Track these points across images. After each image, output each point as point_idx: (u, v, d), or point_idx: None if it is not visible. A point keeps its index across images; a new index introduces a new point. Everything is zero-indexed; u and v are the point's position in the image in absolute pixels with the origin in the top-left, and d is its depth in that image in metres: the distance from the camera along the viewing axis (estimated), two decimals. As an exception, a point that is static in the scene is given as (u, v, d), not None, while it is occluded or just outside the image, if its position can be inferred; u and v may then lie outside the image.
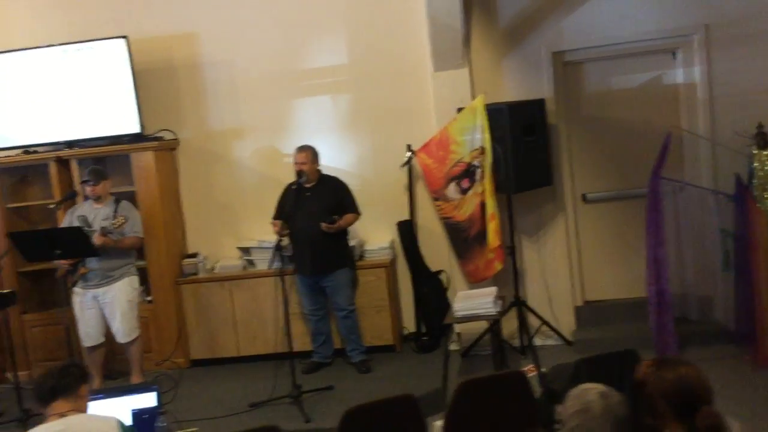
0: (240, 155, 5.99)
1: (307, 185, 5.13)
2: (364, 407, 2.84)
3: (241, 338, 5.66)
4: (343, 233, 5.26)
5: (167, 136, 5.84)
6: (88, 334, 5.15)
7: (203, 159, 5.99)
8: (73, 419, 2.57)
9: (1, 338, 5.85)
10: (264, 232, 5.92)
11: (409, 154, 5.53)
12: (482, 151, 5.07)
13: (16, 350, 5.82)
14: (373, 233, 5.78)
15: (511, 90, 5.55)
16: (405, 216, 5.81)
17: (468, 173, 5.21)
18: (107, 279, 5.05)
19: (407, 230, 5.79)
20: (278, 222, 5.14)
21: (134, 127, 5.62)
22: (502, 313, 4.94)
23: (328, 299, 5.29)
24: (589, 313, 5.73)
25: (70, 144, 5.72)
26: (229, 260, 5.91)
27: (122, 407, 3.23)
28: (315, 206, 5.05)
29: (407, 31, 5.68)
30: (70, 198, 5.02)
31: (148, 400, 3.31)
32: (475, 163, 5.15)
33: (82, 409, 2.67)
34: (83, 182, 5.03)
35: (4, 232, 5.68)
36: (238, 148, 5.99)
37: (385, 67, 5.73)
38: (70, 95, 5.66)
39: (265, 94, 5.88)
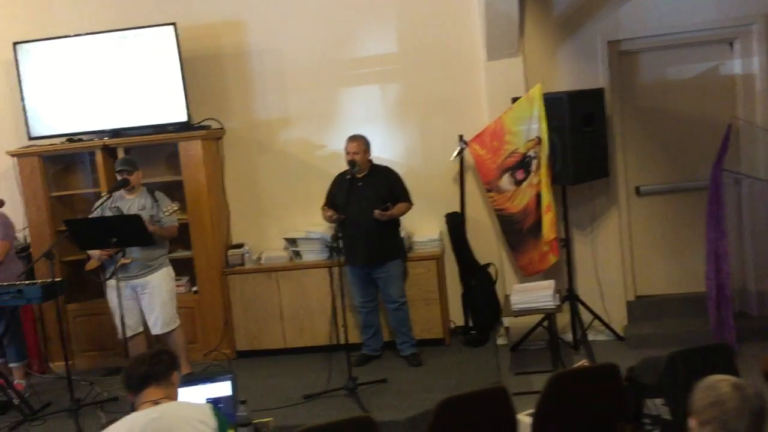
0: (286, 145, 5.91)
1: (359, 175, 5.04)
2: (457, 398, 2.76)
3: (288, 330, 5.58)
4: (396, 224, 5.17)
5: (213, 125, 5.76)
6: (128, 325, 5.08)
7: (248, 149, 5.91)
8: (168, 406, 2.50)
9: (45, 328, 5.82)
10: (310, 223, 5.86)
11: (461, 144, 5.42)
12: (538, 141, 4.98)
13: (59, 340, 5.79)
14: (421, 225, 5.69)
15: (565, 80, 5.46)
16: (453, 208, 5.72)
17: (523, 164, 5.12)
18: (147, 269, 4.98)
19: (456, 222, 5.70)
20: (330, 209, 5.06)
21: (181, 116, 5.55)
22: (560, 306, 4.84)
23: (379, 291, 5.20)
24: (641, 307, 5.65)
25: (115, 132, 5.65)
26: (274, 251, 5.83)
27: (197, 396, 3.16)
28: (368, 196, 4.96)
29: (458, 19, 5.58)
30: (122, 186, 4.94)
31: (223, 388, 3.24)
32: (531, 153, 5.05)
33: (173, 397, 2.60)
34: (118, 171, 4.96)
35: (50, 221, 5.66)
36: (284, 137, 5.91)
37: (435, 56, 5.63)
38: (116, 83, 5.60)
39: (313, 84, 5.80)
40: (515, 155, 5.13)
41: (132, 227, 4.47)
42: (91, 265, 5.08)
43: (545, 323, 5.31)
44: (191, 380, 3.29)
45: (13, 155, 5.67)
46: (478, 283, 5.63)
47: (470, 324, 5.69)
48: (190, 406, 2.61)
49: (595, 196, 5.49)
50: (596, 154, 5.06)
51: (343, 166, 5.39)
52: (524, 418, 2.99)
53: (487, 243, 5.71)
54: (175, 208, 4.84)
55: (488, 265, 5.70)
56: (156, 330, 5.05)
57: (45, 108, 5.67)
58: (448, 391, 4.60)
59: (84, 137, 5.73)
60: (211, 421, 2.47)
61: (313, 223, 5.87)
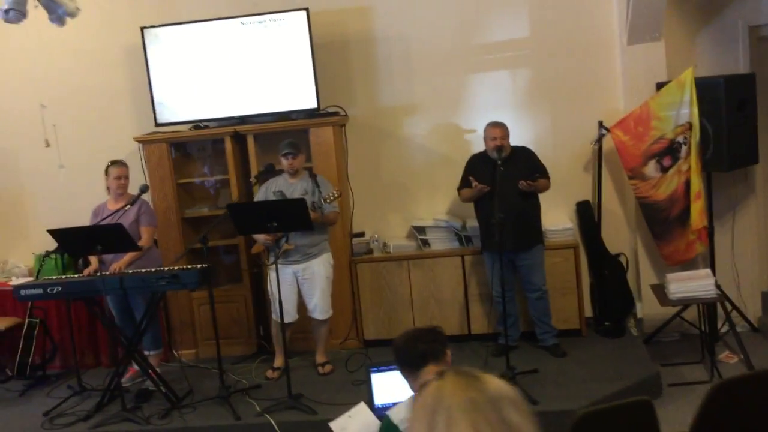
0: (410, 132, 5.83)
1: (498, 162, 4.94)
2: (598, 411, 2.60)
3: (418, 319, 5.50)
4: (539, 207, 5.07)
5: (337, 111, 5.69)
6: (286, 310, 5.00)
7: (371, 136, 5.82)
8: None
9: (170, 316, 5.78)
10: (434, 212, 5.79)
11: (601, 131, 5.31)
12: (689, 126, 4.86)
13: (184, 328, 5.75)
14: (551, 213, 5.57)
15: (704, 65, 5.33)
16: (583, 196, 5.62)
17: (671, 150, 5.00)
18: (307, 255, 4.92)
19: (586, 211, 5.60)
20: (467, 188, 5.00)
21: (311, 103, 5.48)
22: (722, 296, 4.72)
23: (520, 279, 5.09)
24: (776, 299, 5.52)
25: (241, 119, 5.59)
26: (397, 239, 5.76)
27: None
28: (512, 179, 4.85)
29: (592, 3, 5.48)
30: (268, 171, 4.88)
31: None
32: (680, 139, 4.94)
33: None
34: (284, 155, 4.88)
35: (177, 207, 5.61)
36: (408, 125, 5.82)
37: (568, 41, 5.53)
38: (244, 69, 5.53)
39: (440, 70, 5.70)
40: (662, 141, 5.02)
41: (295, 212, 4.38)
42: (257, 248, 5.02)
43: (683, 314, 5.22)
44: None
45: (140, 141, 5.62)
46: (611, 272, 5.52)
47: (598, 315, 5.58)
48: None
49: (736, 184, 5.37)
50: (748, 140, 4.94)
51: (470, 154, 5.35)
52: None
53: (618, 232, 5.61)
54: (338, 195, 4.77)
55: (619, 254, 5.59)
56: (316, 314, 4.99)
57: (171, 94, 5.62)
58: (606, 381, 4.55)
59: (209, 124, 5.67)
60: None
61: (438, 212, 5.80)
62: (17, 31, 5.93)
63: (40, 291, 4.57)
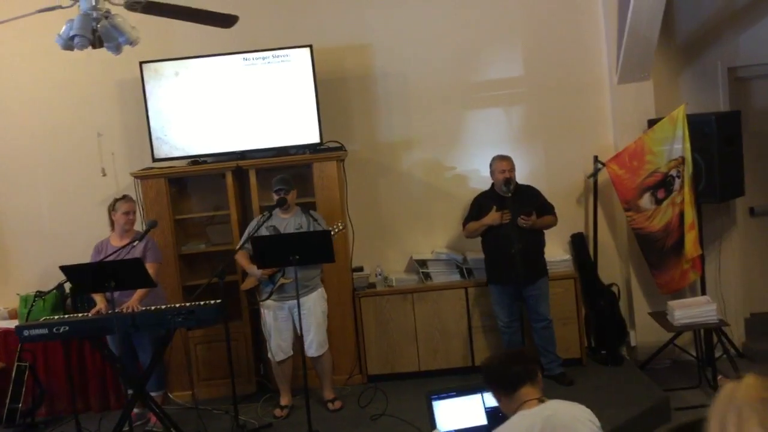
0: (408, 167, 5.91)
1: (507, 195, 5.08)
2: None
3: (423, 352, 5.52)
4: (543, 242, 5.21)
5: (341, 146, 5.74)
6: (281, 347, 4.97)
7: (369, 171, 5.88)
8: (557, 404, 2.48)
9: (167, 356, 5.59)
10: (432, 245, 5.87)
11: (597, 165, 5.53)
12: (682, 161, 5.13)
13: (179, 369, 5.57)
14: (548, 246, 5.69)
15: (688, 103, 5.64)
16: (577, 228, 5.82)
17: (664, 183, 5.25)
18: (304, 289, 4.87)
19: (581, 242, 5.79)
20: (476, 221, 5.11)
21: (314, 137, 5.50)
22: (724, 321, 4.94)
23: (526, 310, 5.19)
24: (758, 324, 5.80)
25: (240, 155, 5.55)
26: (396, 273, 5.79)
27: (473, 405, 3.10)
28: (519, 213, 4.99)
29: (583, 43, 5.75)
30: (280, 205, 4.85)
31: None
32: (673, 173, 5.20)
33: (542, 396, 2.57)
34: (276, 191, 4.88)
35: (175, 243, 5.49)
36: (406, 160, 5.91)
37: (560, 80, 5.76)
38: (244, 104, 5.52)
39: (437, 106, 5.84)
40: (656, 174, 5.26)
41: (319, 243, 4.37)
42: (247, 284, 4.94)
43: (675, 341, 5.43)
44: (468, 390, 3.22)
45: (137, 177, 5.50)
46: (606, 302, 5.70)
47: (594, 344, 5.73)
48: (574, 405, 2.57)
49: (720, 215, 5.67)
50: (735, 173, 5.24)
51: (467, 188, 5.58)
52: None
53: (609, 263, 5.81)
54: (342, 228, 4.78)
55: (611, 285, 5.78)
56: (311, 352, 4.92)
57: (170, 129, 5.54)
58: (618, 408, 4.66)
59: (207, 159, 5.61)
60: (597, 421, 2.44)
61: (435, 245, 5.88)
62: (16, 69, 5.81)
63: (45, 331, 4.38)
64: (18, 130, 5.90)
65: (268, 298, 4.87)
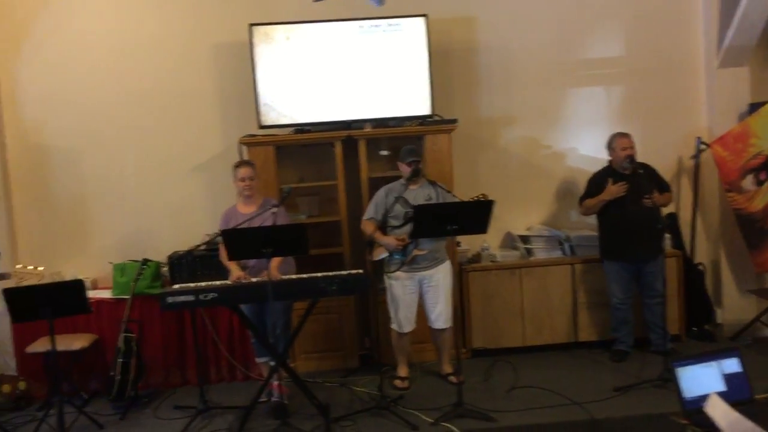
0: (508, 143, 5.91)
1: (626, 172, 5.13)
2: None
3: (528, 328, 5.54)
4: (661, 219, 5.29)
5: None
6: (408, 319, 4.90)
7: (470, 145, 5.85)
8: None
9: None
10: (529, 222, 5.89)
11: (700, 146, 5.65)
12: (788, 144, 5.30)
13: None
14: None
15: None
16: (671, 209, 5.93)
17: (767, 166, 5.41)
18: (434, 261, 4.84)
19: (673, 222, 5.91)
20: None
21: (424, 109, 5.43)
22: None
23: (642, 286, 5.25)
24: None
25: (348, 124, 5.42)
26: (492, 249, 5.78)
27: (712, 371, 3.14)
28: (641, 190, 5.04)
29: (683, 27, 5.86)
30: (416, 175, 4.76)
31: (731, 365, 3.22)
32: (777, 156, 5.37)
33: None
34: (410, 162, 4.80)
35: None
36: (506, 136, 5.91)
37: (659, 62, 5.87)
38: (356, 73, 5.39)
39: (539, 83, 5.85)
40: (760, 157, 5.42)
41: (477, 213, 4.31)
42: (378, 253, 4.84)
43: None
44: (704, 357, 3.23)
45: (245, 144, 5.31)
46: (696, 281, 5.85)
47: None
48: None
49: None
50: (835, 157, 5.45)
51: (564, 167, 5.69)
52: None
53: (697, 243, 5.95)
54: (485, 197, 4.72)
55: (698, 264, 5.93)
56: (439, 324, 4.88)
57: (278, 95, 5.36)
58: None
59: (311, 128, 5.45)
60: None
61: (531, 222, 5.91)
62: (106, 23, 5.51)
63: (191, 298, 4.17)
64: (107, 92, 5.60)
65: (398, 270, 4.79)
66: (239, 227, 4.34)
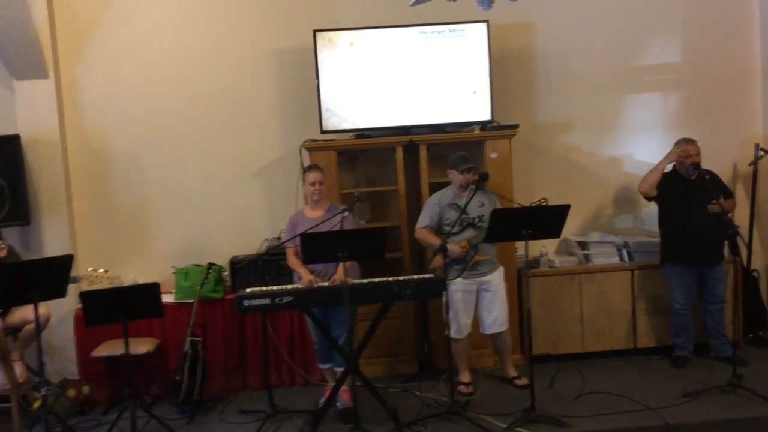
0: (564, 149, 5.92)
1: (692, 178, 5.13)
2: None
3: (587, 334, 5.53)
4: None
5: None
6: (466, 324, 4.93)
7: (527, 150, 5.85)
8: None
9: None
10: (585, 228, 5.89)
11: (759, 152, 5.65)
12: None
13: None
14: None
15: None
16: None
17: (828, 172, 5.41)
18: (491, 266, 4.88)
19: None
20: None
21: (484, 115, 5.46)
22: None
23: (704, 291, 5.24)
24: None
25: (407, 130, 5.44)
26: (552, 254, 5.78)
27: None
28: (705, 196, 5.04)
29: (737, 33, 5.88)
30: (484, 180, 4.77)
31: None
32: (838, 161, 5.35)
33: None
34: (465, 170, 4.81)
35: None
36: (563, 142, 5.91)
37: (715, 68, 5.88)
38: (417, 78, 5.42)
39: (595, 89, 5.87)
40: (821, 163, 5.42)
41: (555, 217, 4.32)
42: (437, 262, 4.84)
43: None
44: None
45: (308, 149, 5.34)
46: (750, 286, 5.83)
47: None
48: None
49: None
50: None
51: (620, 173, 5.77)
52: None
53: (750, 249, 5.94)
54: (545, 202, 4.74)
55: (752, 270, 5.92)
56: (494, 328, 4.91)
57: (339, 101, 5.39)
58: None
59: (371, 133, 5.47)
60: None
61: (587, 228, 5.91)
62: (169, 30, 5.56)
63: (267, 301, 4.19)
64: (169, 97, 5.64)
65: (459, 276, 4.80)
66: (315, 231, 4.35)
